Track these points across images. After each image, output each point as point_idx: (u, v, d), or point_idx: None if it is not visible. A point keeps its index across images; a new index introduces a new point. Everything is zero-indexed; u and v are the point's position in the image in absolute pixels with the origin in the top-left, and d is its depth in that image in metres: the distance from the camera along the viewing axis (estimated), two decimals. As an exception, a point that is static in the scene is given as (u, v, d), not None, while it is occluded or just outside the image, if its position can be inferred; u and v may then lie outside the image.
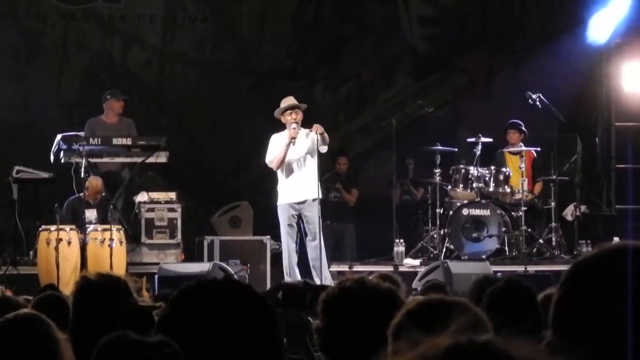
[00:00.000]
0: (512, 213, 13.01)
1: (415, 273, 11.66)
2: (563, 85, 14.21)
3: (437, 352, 1.42)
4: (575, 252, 12.77)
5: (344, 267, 12.50)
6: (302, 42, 15.71)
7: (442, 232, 12.91)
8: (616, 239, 11.80)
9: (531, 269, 12.07)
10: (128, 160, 12.80)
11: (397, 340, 2.47)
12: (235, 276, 11.16)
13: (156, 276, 11.21)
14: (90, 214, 12.07)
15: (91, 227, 11.66)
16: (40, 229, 11.68)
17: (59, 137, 12.40)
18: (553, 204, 13.17)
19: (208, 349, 2.27)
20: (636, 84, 14.63)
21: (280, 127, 11.53)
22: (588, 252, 1.91)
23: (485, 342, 1.43)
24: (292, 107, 11.41)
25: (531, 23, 15.63)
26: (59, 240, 11.31)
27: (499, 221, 12.76)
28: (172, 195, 12.77)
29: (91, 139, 12.40)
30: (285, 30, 15.67)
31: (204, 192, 14.99)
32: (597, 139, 15.18)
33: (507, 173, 13.05)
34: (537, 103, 13.17)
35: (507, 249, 12.93)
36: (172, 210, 12.61)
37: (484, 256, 12.52)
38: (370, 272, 7.12)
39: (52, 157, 12.42)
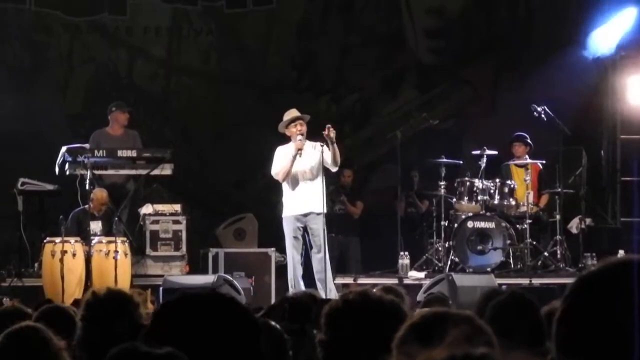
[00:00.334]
0: (517, 226, 13.00)
1: (420, 285, 11.64)
2: (568, 98, 14.19)
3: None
4: (580, 265, 12.76)
5: (349, 280, 12.48)
6: (307, 54, 15.72)
7: (447, 245, 12.89)
8: (621, 252, 11.80)
9: (536, 281, 12.05)
10: (133, 172, 12.80)
11: (400, 353, 2.46)
12: (240, 288, 11.15)
13: (161, 288, 11.21)
14: (95, 226, 12.09)
15: (96, 239, 11.68)
16: (45, 241, 11.69)
17: (64, 149, 12.40)
18: (558, 216, 13.15)
19: None
20: (641, 96, 14.63)
21: (285, 139, 11.51)
22: (593, 266, 1.90)
23: (481, 356, 1.42)
24: (296, 119, 11.39)
25: (536, 36, 15.62)
26: (63, 252, 11.32)
27: (503, 234, 12.75)
28: (177, 207, 12.78)
29: (96, 151, 12.40)
30: (290, 42, 15.68)
31: (208, 204, 14.98)
32: (602, 151, 15.14)
33: (512, 185, 13.05)
34: (542, 116, 13.16)
35: (512, 261, 12.92)
36: (176, 222, 12.61)
37: (488, 269, 12.49)
38: (375, 285, 7.10)
39: (57, 169, 12.41)
